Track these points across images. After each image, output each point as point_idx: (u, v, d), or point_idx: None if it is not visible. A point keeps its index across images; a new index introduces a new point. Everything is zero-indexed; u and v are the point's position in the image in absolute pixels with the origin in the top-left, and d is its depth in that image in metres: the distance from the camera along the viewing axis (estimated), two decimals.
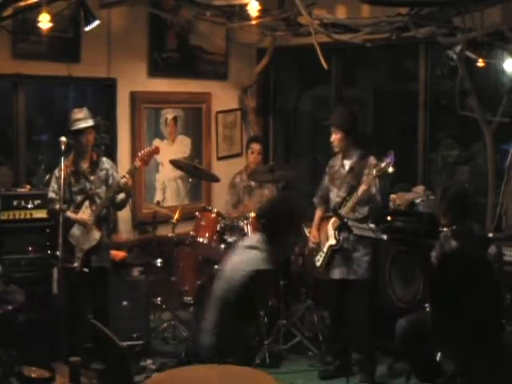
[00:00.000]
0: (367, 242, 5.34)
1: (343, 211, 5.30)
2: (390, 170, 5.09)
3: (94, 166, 5.46)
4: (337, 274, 5.44)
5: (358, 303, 5.37)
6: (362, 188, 5.19)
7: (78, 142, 5.36)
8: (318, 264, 5.53)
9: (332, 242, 5.41)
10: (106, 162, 5.54)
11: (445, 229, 4.73)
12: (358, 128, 5.60)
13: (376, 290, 5.65)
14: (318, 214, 5.68)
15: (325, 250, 5.46)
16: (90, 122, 5.36)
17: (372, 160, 5.34)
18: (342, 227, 5.30)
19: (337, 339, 5.61)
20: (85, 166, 5.45)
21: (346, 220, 5.23)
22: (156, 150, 5.57)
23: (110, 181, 5.46)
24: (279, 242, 4.25)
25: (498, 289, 2.38)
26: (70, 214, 5.25)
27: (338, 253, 5.41)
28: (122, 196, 5.45)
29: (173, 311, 6.21)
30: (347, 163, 5.44)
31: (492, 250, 4.58)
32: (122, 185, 5.29)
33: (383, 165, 5.08)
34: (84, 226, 5.29)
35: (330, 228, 5.45)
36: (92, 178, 5.43)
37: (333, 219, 5.42)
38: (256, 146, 6.70)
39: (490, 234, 4.99)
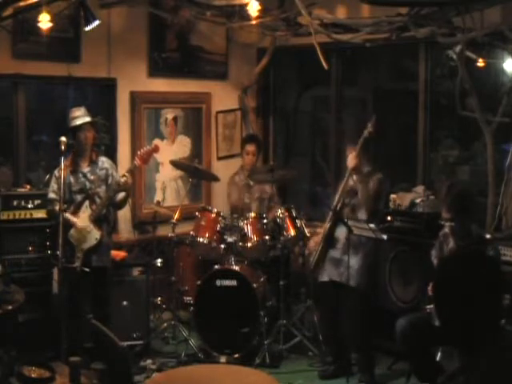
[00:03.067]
0: (361, 250, 5.35)
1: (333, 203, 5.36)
2: (365, 133, 5.31)
3: (94, 165, 5.47)
4: (326, 275, 5.46)
5: (348, 307, 5.38)
6: (351, 155, 5.30)
7: (77, 140, 5.38)
8: (310, 260, 5.56)
9: (324, 232, 5.45)
10: (105, 162, 5.55)
11: (443, 222, 4.74)
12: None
13: (376, 291, 5.65)
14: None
15: (319, 244, 5.48)
16: (86, 119, 5.38)
17: (379, 175, 5.36)
18: (337, 221, 5.32)
19: (333, 339, 5.61)
20: (84, 165, 5.46)
21: (346, 220, 5.25)
22: (155, 149, 5.57)
23: (110, 180, 5.46)
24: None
25: (501, 287, 2.38)
26: (68, 215, 5.24)
27: (329, 246, 5.43)
28: (121, 195, 5.46)
29: (173, 311, 6.21)
30: (356, 177, 5.43)
31: (489, 252, 4.56)
32: (122, 184, 5.30)
33: (365, 131, 5.29)
34: (79, 232, 5.28)
35: (326, 223, 5.48)
36: (92, 177, 5.43)
37: (329, 217, 5.45)
38: (250, 148, 6.63)
39: (488, 236, 4.96)
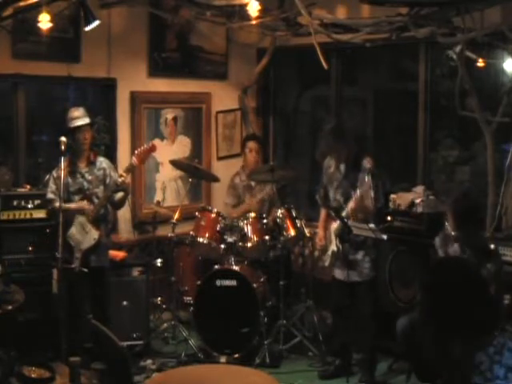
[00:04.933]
0: (368, 245, 5.36)
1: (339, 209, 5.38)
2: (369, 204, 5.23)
3: (92, 165, 5.47)
4: (339, 274, 5.46)
5: (361, 304, 5.39)
6: (350, 205, 5.26)
7: (76, 141, 5.37)
8: (327, 264, 5.55)
9: (334, 248, 5.43)
10: (103, 162, 5.54)
11: (446, 224, 4.73)
12: (349, 134, 5.49)
13: (376, 290, 5.65)
14: (323, 213, 5.69)
15: (329, 253, 5.48)
16: (86, 120, 5.39)
17: (366, 163, 5.32)
18: (343, 234, 5.32)
19: (337, 337, 5.62)
20: (82, 165, 5.45)
21: (346, 220, 5.26)
22: (153, 148, 5.55)
23: (108, 180, 5.46)
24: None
25: (485, 295, 2.38)
26: (69, 205, 5.24)
27: (340, 257, 5.44)
28: (120, 195, 5.46)
29: (173, 311, 6.21)
30: (342, 167, 5.45)
31: (491, 267, 4.50)
32: (120, 183, 5.30)
33: (358, 195, 5.19)
34: (83, 214, 5.28)
35: (332, 233, 5.46)
36: (89, 177, 5.43)
37: (334, 224, 5.43)
38: (253, 145, 6.65)
39: (492, 246, 4.87)
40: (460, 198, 4.69)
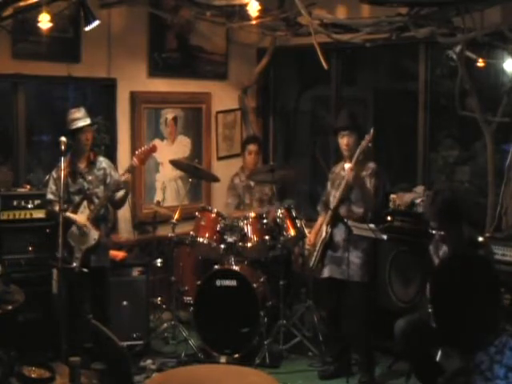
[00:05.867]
0: (361, 244, 5.36)
1: (332, 204, 5.41)
2: (363, 144, 5.25)
3: (92, 165, 5.47)
4: (326, 272, 5.48)
5: (351, 305, 5.39)
6: (349, 166, 5.28)
7: (77, 141, 5.37)
8: (311, 264, 5.57)
9: (322, 235, 5.45)
10: (103, 162, 5.54)
11: (434, 232, 4.73)
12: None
13: (375, 291, 5.65)
14: (320, 219, 5.70)
15: (317, 247, 5.49)
16: (88, 121, 5.39)
17: (371, 164, 5.38)
18: (335, 222, 5.36)
19: (334, 339, 5.62)
20: (82, 165, 5.45)
21: (346, 220, 5.27)
22: (153, 149, 5.55)
23: (108, 180, 5.46)
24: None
25: (498, 286, 2.39)
26: (69, 214, 5.24)
27: (329, 249, 5.46)
28: (120, 194, 5.46)
29: (173, 311, 6.21)
30: (347, 165, 5.46)
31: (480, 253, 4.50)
32: (122, 183, 5.30)
33: (363, 142, 5.21)
34: (80, 228, 5.28)
35: (323, 224, 5.49)
36: (90, 177, 5.43)
37: (327, 217, 5.47)
38: (253, 147, 6.67)
39: (481, 239, 4.87)
40: (432, 199, 4.69)
